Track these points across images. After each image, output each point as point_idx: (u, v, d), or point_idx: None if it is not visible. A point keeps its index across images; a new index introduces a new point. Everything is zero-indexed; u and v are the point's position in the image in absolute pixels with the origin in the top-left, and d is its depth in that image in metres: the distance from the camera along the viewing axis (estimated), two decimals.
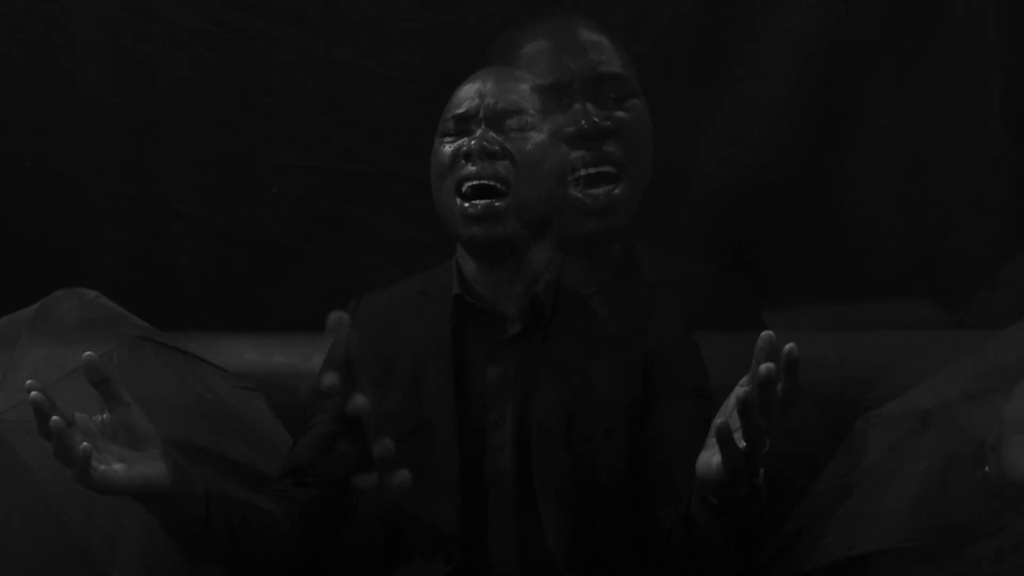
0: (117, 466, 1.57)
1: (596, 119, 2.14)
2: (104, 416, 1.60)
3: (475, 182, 1.80)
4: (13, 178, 2.46)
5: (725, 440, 1.46)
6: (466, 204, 1.81)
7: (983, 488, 1.71)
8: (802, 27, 2.37)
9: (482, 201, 1.80)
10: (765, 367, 1.44)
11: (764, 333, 1.46)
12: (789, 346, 1.45)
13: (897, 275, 2.39)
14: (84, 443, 1.53)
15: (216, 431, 1.98)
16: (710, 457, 1.52)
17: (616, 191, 2.15)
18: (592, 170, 2.13)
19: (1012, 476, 1.67)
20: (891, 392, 1.90)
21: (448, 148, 1.84)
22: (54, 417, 1.52)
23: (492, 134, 1.82)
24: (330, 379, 1.75)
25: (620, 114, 2.16)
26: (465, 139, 1.83)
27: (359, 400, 1.73)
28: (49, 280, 2.12)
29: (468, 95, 1.86)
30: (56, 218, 2.46)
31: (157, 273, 2.47)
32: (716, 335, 1.89)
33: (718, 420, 1.48)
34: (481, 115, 1.84)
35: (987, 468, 1.70)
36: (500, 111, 1.84)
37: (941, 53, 2.38)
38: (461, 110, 1.85)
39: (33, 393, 1.54)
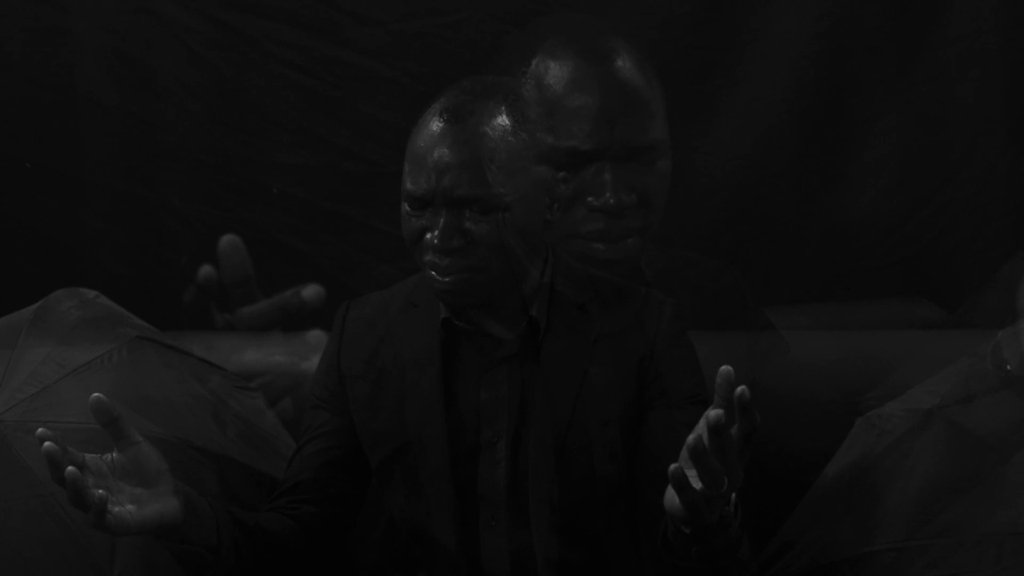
0: (130, 507, 1.57)
1: (623, 196, 2.03)
2: (114, 455, 1.59)
3: (446, 275, 1.75)
4: (13, 178, 2.46)
5: (680, 485, 1.45)
6: (439, 288, 1.76)
7: (1012, 392, 1.70)
8: (802, 27, 2.37)
9: (449, 278, 1.74)
10: (714, 414, 1.41)
11: (722, 368, 1.43)
12: (740, 389, 1.42)
13: (897, 275, 2.39)
14: (100, 491, 1.52)
15: (215, 431, 1.98)
16: (674, 494, 1.49)
17: (629, 241, 2.07)
18: (608, 239, 2.05)
19: None
20: (891, 392, 1.90)
21: (415, 222, 1.76)
22: (69, 468, 1.50)
23: (452, 228, 1.72)
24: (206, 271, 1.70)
25: (647, 179, 2.07)
26: (428, 217, 1.74)
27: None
28: (49, 280, 2.12)
29: (424, 173, 1.73)
30: (56, 218, 2.46)
31: (157, 273, 2.47)
32: (716, 334, 1.89)
33: (673, 466, 1.45)
34: (439, 201, 1.73)
35: (1009, 367, 1.69)
36: (458, 199, 1.72)
37: (941, 53, 2.38)
38: (418, 192, 1.74)
39: (46, 444, 1.51)
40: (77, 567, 1.82)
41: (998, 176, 2.39)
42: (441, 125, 1.75)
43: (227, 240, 1.69)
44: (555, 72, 2.10)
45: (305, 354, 2.02)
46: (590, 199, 2.03)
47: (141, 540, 1.83)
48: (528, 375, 1.80)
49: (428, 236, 1.74)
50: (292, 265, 2.44)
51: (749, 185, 2.39)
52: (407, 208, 1.77)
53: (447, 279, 1.74)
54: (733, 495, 1.52)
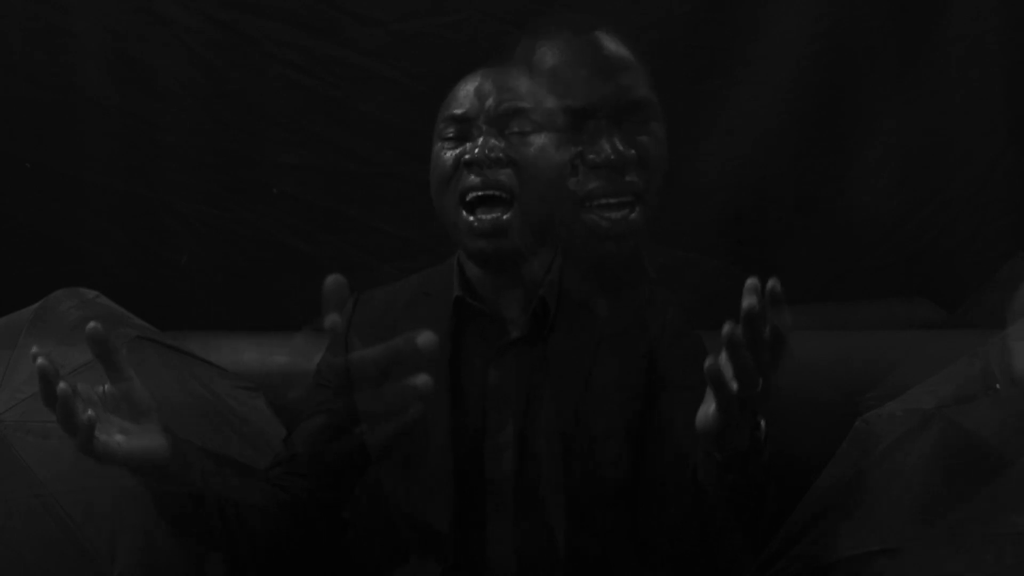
0: (118, 437, 1.56)
1: (622, 149, 2.04)
2: (106, 388, 1.59)
3: (479, 193, 1.77)
4: (13, 178, 2.46)
5: (717, 382, 1.45)
6: (472, 219, 1.78)
7: (1000, 410, 1.70)
8: (802, 27, 2.37)
9: (488, 216, 1.77)
10: (748, 302, 1.42)
11: (749, 280, 1.44)
12: (772, 282, 1.44)
13: (897, 275, 2.39)
14: (89, 412, 1.52)
15: (216, 431, 1.98)
16: (707, 408, 1.50)
17: (633, 215, 2.05)
18: (613, 200, 2.06)
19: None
20: (891, 392, 1.90)
21: (448, 155, 1.80)
22: (61, 384, 1.51)
23: (494, 140, 1.78)
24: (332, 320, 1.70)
25: (643, 139, 2.07)
26: (467, 145, 1.79)
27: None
28: (49, 280, 2.12)
29: (466, 96, 1.82)
30: (56, 218, 2.46)
31: (157, 273, 2.47)
32: (716, 334, 1.88)
33: (709, 362, 1.45)
34: (481, 119, 1.80)
35: (998, 386, 1.69)
36: (501, 113, 1.80)
37: (941, 53, 2.38)
38: (460, 111, 1.81)
39: (39, 360, 1.51)
40: (77, 567, 1.82)
41: (998, 176, 2.39)
42: (477, 70, 1.84)
43: (332, 280, 1.70)
44: (541, 47, 2.13)
45: (307, 354, 2.02)
46: (591, 156, 2.05)
47: (141, 540, 1.83)
48: (535, 362, 1.81)
49: (467, 156, 1.78)
50: (292, 265, 2.44)
51: (749, 185, 2.39)
52: (443, 143, 1.81)
53: (487, 218, 1.76)
54: (763, 423, 1.52)
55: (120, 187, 2.46)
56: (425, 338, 1.54)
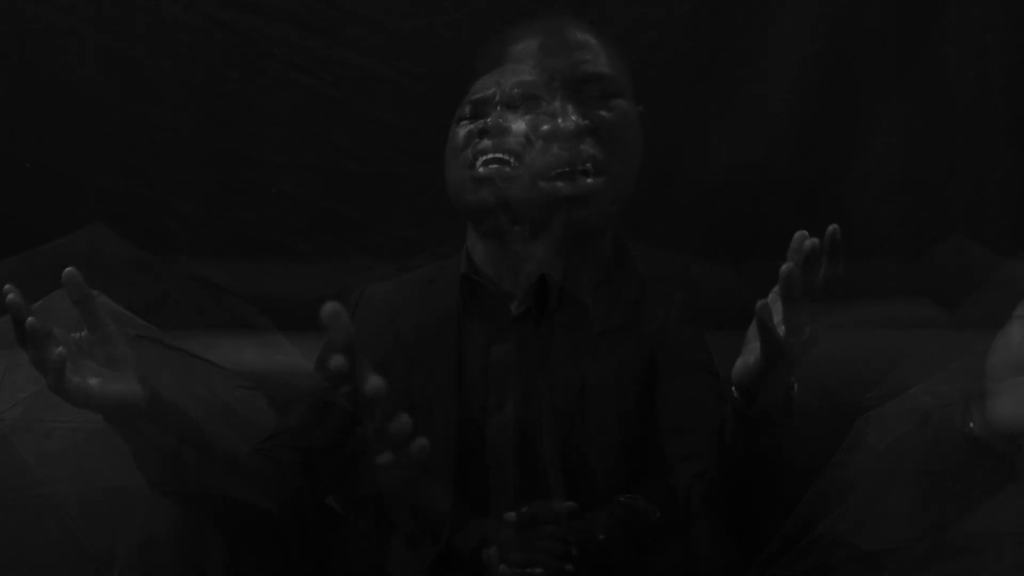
0: (93, 380, 1.56)
1: (573, 117, 2.06)
2: (83, 334, 1.59)
3: (489, 155, 1.81)
4: (13, 178, 2.46)
5: (765, 324, 1.45)
6: (480, 168, 1.82)
7: (972, 449, 1.68)
8: (802, 27, 2.37)
9: (494, 165, 1.81)
10: (810, 241, 1.43)
11: (799, 233, 1.46)
12: (832, 228, 1.45)
13: (897, 275, 2.39)
14: (60, 348, 1.52)
15: (216, 430, 1.98)
16: (746, 358, 1.50)
17: (590, 181, 2.04)
18: (567, 168, 2.10)
19: (997, 426, 1.60)
20: (891, 392, 1.90)
21: (463, 130, 1.87)
22: (29, 319, 1.51)
23: (506, 114, 1.84)
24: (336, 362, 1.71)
25: (602, 113, 2.09)
26: (481, 120, 1.85)
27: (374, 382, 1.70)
28: (49, 280, 2.11)
29: (486, 84, 1.91)
30: (56, 218, 2.46)
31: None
32: (716, 334, 1.89)
33: (760, 302, 1.45)
34: (498, 99, 1.88)
35: (971, 424, 1.66)
36: (516, 96, 1.88)
37: (941, 53, 2.38)
38: (478, 95, 1.89)
39: (10, 296, 1.53)
40: (77, 567, 1.82)
41: (998, 176, 2.39)
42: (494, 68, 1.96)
43: (330, 307, 1.72)
44: (511, 45, 2.13)
45: (307, 353, 2.02)
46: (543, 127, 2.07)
47: (141, 541, 1.83)
48: (538, 341, 1.82)
49: (481, 123, 1.84)
50: (292, 265, 2.44)
51: (749, 185, 2.39)
52: (460, 122, 1.88)
53: (492, 166, 1.80)
54: (795, 386, 1.52)
55: (120, 187, 2.46)
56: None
